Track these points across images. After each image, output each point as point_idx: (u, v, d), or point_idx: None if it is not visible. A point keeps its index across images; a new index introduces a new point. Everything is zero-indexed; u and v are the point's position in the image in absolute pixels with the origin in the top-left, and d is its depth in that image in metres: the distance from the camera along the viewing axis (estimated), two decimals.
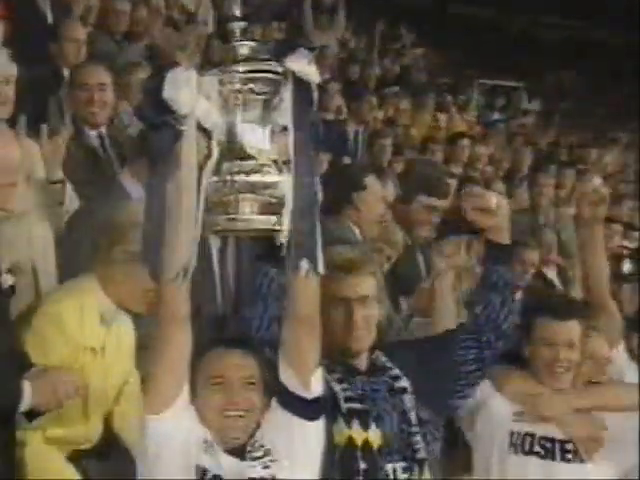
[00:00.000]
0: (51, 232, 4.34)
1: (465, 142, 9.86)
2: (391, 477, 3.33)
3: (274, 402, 3.01)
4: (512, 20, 18.67)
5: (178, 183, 2.69)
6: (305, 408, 2.98)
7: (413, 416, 3.40)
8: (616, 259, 7.69)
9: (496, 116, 13.95)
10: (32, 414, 3.35)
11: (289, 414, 2.98)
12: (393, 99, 10.81)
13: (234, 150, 2.73)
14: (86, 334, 3.54)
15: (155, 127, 2.74)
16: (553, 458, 3.85)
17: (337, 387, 3.36)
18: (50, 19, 7.74)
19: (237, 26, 2.78)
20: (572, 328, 3.90)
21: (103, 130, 5.46)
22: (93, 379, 3.54)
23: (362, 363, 3.44)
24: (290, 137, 2.73)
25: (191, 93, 2.67)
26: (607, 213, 9.53)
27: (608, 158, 13.53)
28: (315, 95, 2.77)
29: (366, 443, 3.33)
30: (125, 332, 3.68)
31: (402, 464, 3.35)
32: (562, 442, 3.86)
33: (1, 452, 3.37)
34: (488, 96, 14.97)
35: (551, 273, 7.55)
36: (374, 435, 3.34)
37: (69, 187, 4.54)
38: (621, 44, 18.03)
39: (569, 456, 3.85)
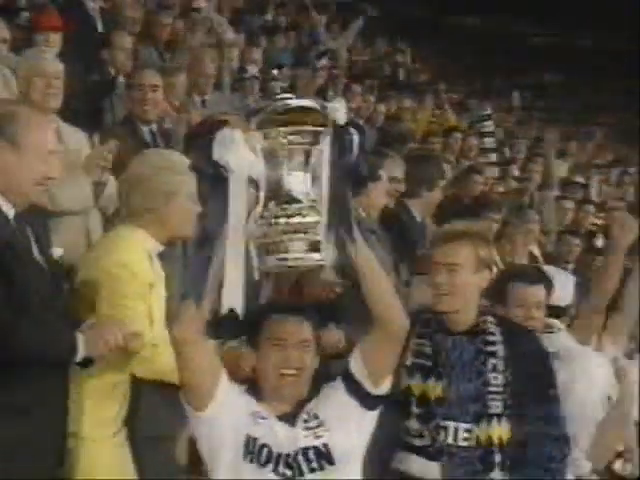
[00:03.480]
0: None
1: (458, 135, 9.99)
2: (451, 433, 3.37)
3: (339, 382, 2.96)
4: (501, 29, 18.70)
5: (227, 231, 2.65)
6: (368, 400, 2.94)
7: (495, 378, 3.38)
8: (590, 235, 7.88)
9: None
10: (85, 362, 3.35)
11: (351, 399, 2.94)
12: (397, 99, 10.88)
13: (280, 195, 2.65)
14: (147, 272, 3.54)
15: (208, 179, 2.69)
16: None
17: (413, 341, 3.40)
18: (100, 28, 7.81)
19: (277, 85, 2.71)
20: (540, 291, 4.04)
21: (154, 126, 5.54)
22: (155, 312, 3.52)
23: (459, 324, 3.44)
24: (324, 184, 2.66)
25: (238, 151, 2.63)
26: (581, 196, 9.76)
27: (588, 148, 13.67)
28: (355, 140, 2.67)
29: (424, 393, 3.40)
30: (160, 269, 3.64)
31: (465, 425, 3.37)
32: None
33: (58, 399, 3.37)
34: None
35: (535, 249, 7.63)
36: (432, 387, 3.39)
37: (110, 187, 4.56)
38: (594, 49, 18.09)
39: None
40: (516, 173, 9.74)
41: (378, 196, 5.15)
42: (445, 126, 10.84)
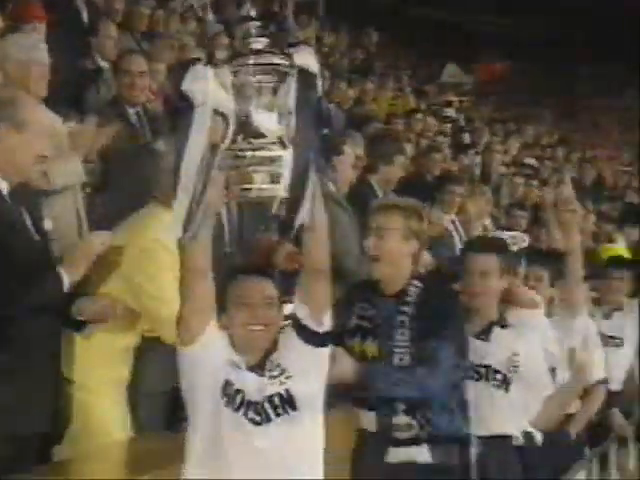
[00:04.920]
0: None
1: (418, 116, 10.15)
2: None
3: (289, 329, 3.01)
4: (459, 19, 18.83)
5: (185, 157, 2.66)
6: (316, 338, 2.98)
7: (402, 333, 3.43)
8: (536, 208, 8.11)
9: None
10: (78, 326, 3.51)
11: (302, 341, 2.98)
12: (360, 82, 10.97)
13: (248, 130, 2.69)
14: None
15: (176, 111, 2.78)
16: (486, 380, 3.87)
17: (356, 306, 3.53)
18: (85, 18, 7.83)
19: (252, 25, 2.74)
20: (488, 260, 3.87)
21: (139, 109, 5.61)
22: None
23: (391, 288, 3.51)
24: (292, 120, 2.69)
25: (206, 86, 2.65)
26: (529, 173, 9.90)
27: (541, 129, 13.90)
28: (318, 83, 2.75)
29: (363, 352, 3.50)
30: None
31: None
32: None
33: (54, 359, 3.50)
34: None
35: (488, 221, 7.81)
36: (370, 347, 3.49)
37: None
38: (542, 39, 18.29)
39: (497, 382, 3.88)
40: (477, 156, 9.89)
41: (345, 169, 5.28)
42: (406, 108, 10.98)
